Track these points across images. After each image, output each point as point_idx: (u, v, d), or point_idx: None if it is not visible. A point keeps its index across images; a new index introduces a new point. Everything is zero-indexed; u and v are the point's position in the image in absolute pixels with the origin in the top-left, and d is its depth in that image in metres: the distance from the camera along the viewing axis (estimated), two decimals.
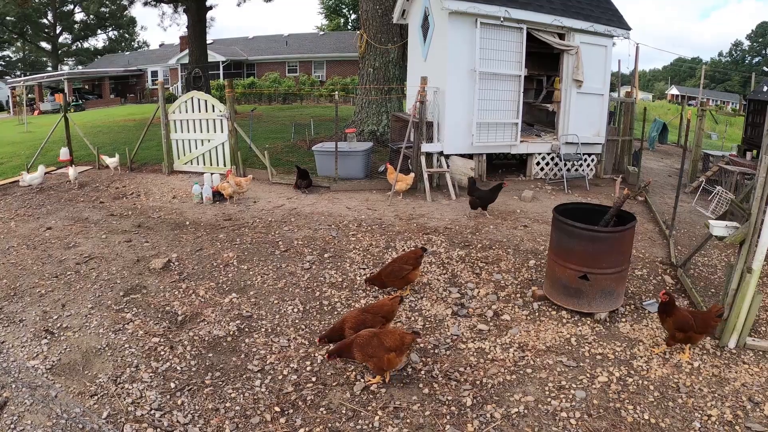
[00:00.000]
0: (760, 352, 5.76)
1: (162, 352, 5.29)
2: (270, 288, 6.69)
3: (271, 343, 5.49)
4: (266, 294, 6.53)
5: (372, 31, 15.73)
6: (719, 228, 5.87)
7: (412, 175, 10.73)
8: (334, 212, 9.59)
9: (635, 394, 4.83)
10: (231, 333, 5.66)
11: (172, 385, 4.78)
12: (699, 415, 4.63)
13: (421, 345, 5.48)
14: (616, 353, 5.47)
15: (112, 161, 13.09)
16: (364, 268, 7.23)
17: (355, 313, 5.12)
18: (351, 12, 59.58)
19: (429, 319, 6.02)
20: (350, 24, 60.07)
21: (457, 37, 11.15)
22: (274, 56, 47.75)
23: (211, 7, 29.39)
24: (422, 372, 5.02)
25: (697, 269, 8.04)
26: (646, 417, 4.54)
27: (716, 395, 4.94)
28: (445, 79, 11.24)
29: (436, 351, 5.39)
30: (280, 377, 4.91)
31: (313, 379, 4.84)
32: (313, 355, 5.23)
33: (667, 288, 7.21)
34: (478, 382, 4.89)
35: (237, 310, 6.12)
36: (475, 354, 5.36)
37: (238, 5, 55.49)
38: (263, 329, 5.74)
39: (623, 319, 6.15)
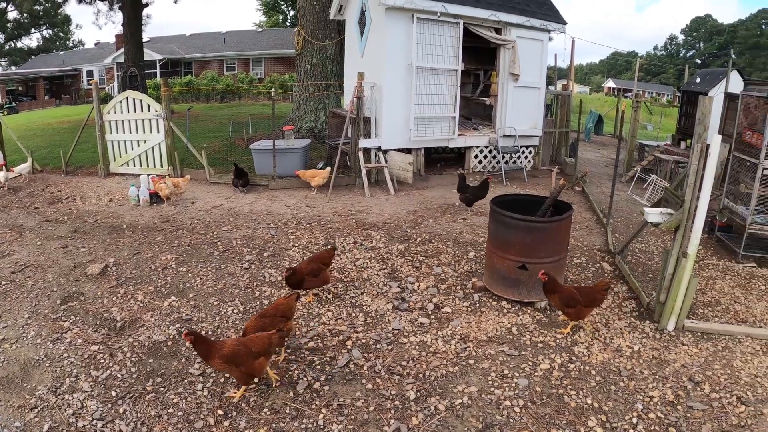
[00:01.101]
0: (699, 333, 5.94)
1: (102, 360, 5.13)
2: (209, 289, 6.56)
3: None
4: (206, 296, 6.41)
5: (309, 27, 15.62)
6: (654, 215, 6.01)
7: (328, 169, 10.74)
8: (272, 210, 9.49)
9: (577, 380, 4.90)
10: (171, 337, 5.53)
11: (113, 393, 4.64)
12: (641, 397, 4.74)
13: (362, 340, 5.45)
14: (557, 340, 5.54)
15: (20, 168, 12.53)
16: None
17: (254, 321, 4.99)
18: (290, 8, 58.96)
19: (370, 314, 5.99)
20: (289, 20, 59.50)
21: (394, 32, 11.13)
22: (212, 54, 47.08)
23: (147, 4, 28.77)
24: (365, 368, 4.98)
25: (635, 255, 8.22)
26: (589, 401, 4.61)
27: (657, 377, 5.06)
28: (382, 74, 11.23)
29: (378, 346, 5.36)
30: (222, 380, 4.81)
31: (255, 380, 4.77)
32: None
33: (606, 275, 7.36)
34: (421, 376, 4.88)
35: (177, 314, 5.98)
36: (417, 347, 5.36)
37: (175, 2, 54.45)
38: (203, 332, 5.61)
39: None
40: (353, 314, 6.00)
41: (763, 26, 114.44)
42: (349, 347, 5.30)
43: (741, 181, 9.04)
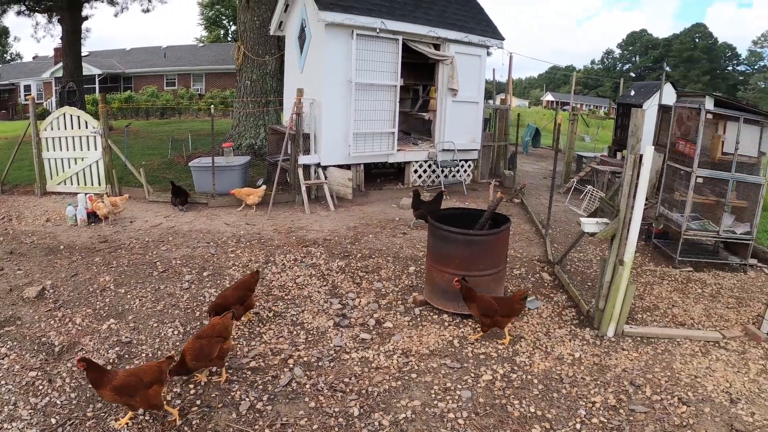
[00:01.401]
0: (638, 338, 6.08)
1: (40, 387, 4.93)
2: (149, 311, 6.39)
3: None
4: (145, 317, 6.24)
5: (250, 43, 15.52)
6: (590, 225, 6.12)
7: (263, 187, 10.66)
8: (212, 229, 9.34)
9: (520, 389, 4.94)
10: (111, 361, 5.35)
11: (53, 420, 4.46)
12: (584, 403, 4.80)
13: (304, 358, 5.39)
14: (499, 351, 5.57)
15: None
16: None
17: (191, 342, 4.87)
18: (231, 23, 58.67)
19: (311, 332, 5.93)
20: (230, 35, 59.10)
21: (333, 48, 11.14)
22: (152, 69, 46.17)
23: (86, 18, 28.08)
24: (307, 386, 4.91)
25: (574, 264, 8.36)
26: (533, 410, 4.65)
27: (599, 382, 5.15)
28: (321, 90, 11.21)
29: (320, 363, 5.29)
30: (164, 403, 4.69)
31: (198, 402, 4.64)
32: (195, 376, 5.04)
33: (546, 284, 7.46)
34: (364, 392, 4.84)
35: (116, 337, 5.80)
36: (359, 363, 5.31)
37: (116, 16, 53.22)
38: (144, 354, 5.46)
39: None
40: (294, 332, 5.92)
41: (697, 40, 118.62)
42: (291, 366, 5.22)
43: (675, 189, 9.29)
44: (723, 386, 5.35)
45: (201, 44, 55.64)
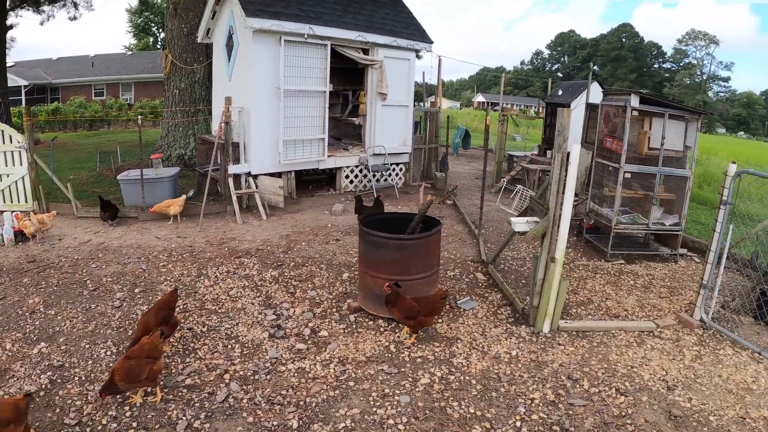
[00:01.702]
0: (574, 332, 6.16)
1: None
2: (80, 332, 6.14)
3: (86, 392, 4.98)
4: (77, 339, 5.98)
5: (177, 50, 15.21)
6: (521, 224, 6.17)
7: (183, 197, 10.47)
8: (143, 243, 9.08)
9: (459, 391, 4.92)
10: (43, 387, 5.10)
11: None
12: (523, 400, 4.83)
13: (240, 372, 5.26)
14: (436, 354, 5.55)
15: None
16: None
17: (120, 363, 4.69)
18: (160, 30, 57.50)
19: (246, 345, 5.79)
20: (159, 43, 57.86)
21: (261, 55, 11.01)
22: (80, 79, 44.70)
23: (11, 26, 27.02)
24: (244, 401, 4.78)
25: (507, 263, 8.42)
26: (472, 410, 4.64)
27: (537, 379, 5.18)
28: (250, 98, 11.06)
29: (257, 377, 5.16)
30: (99, 427, 4.47)
31: (134, 424, 4.46)
32: (130, 398, 4.85)
33: (480, 284, 7.49)
34: (302, 403, 4.74)
35: (47, 361, 5.54)
36: (296, 375, 5.21)
37: (42, 24, 51.64)
38: (77, 378, 5.23)
39: (439, 320, 6.27)
40: (230, 346, 5.77)
41: (624, 39, 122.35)
42: (227, 381, 5.07)
43: (604, 185, 9.47)
44: (659, 374, 5.46)
45: (130, 52, 54.25)
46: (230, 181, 10.60)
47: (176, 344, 5.77)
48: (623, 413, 4.75)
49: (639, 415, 4.75)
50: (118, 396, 4.79)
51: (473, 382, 5.07)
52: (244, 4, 10.70)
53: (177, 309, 6.42)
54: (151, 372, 4.65)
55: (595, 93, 14.09)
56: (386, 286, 5.67)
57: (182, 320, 6.22)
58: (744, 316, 7.11)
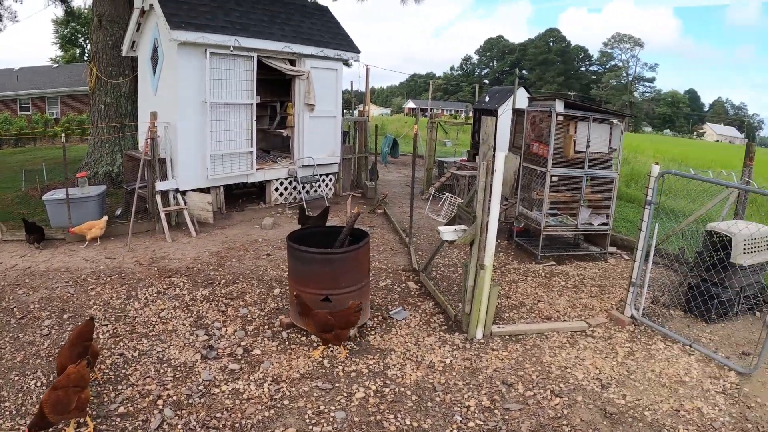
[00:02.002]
0: (507, 337, 6.22)
1: None
2: (8, 363, 5.86)
3: (17, 427, 4.78)
4: (5, 371, 5.71)
5: (102, 64, 14.79)
6: (449, 233, 6.20)
7: (105, 218, 10.17)
8: (71, 266, 8.78)
9: (394, 403, 4.89)
10: None
11: None
12: (459, 408, 4.83)
13: (174, 397, 5.11)
14: (370, 366, 5.51)
15: None
16: (106, 324, 6.62)
17: (48, 394, 4.51)
18: (87, 42, 55.93)
19: (179, 368, 5.63)
20: (86, 55, 56.37)
21: (186, 68, 10.79)
22: (4, 93, 42.87)
23: None
24: (179, 426, 4.64)
25: (439, 270, 8.45)
26: (408, 422, 4.62)
27: (472, 386, 5.20)
28: (176, 112, 10.82)
29: (191, 401, 5.02)
30: None
31: None
32: (63, 430, 4.66)
33: (412, 293, 7.49)
34: (237, 425, 4.63)
35: None
36: (230, 396, 5.09)
37: None
38: (7, 412, 4.98)
39: (372, 332, 6.24)
40: (162, 370, 5.61)
41: (551, 44, 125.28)
42: (160, 407, 4.92)
43: (533, 188, 9.61)
44: (593, 373, 5.56)
45: (56, 65, 52.48)
46: (158, 198, 10.36)
47: (107, 371, 5.58)
48: (559, 414, 4.82)
49: (575, 415, 4.82)
50: (50, 430, 4.61)
51: (408, 393, 5.05)
52: (168, 16, 10.49)
53: (107, 334, 6.25)
54: (80, 401, 4.48)
55: (522, 98, 14.35)
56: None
57: (113, 345, 6.03)
58: (674, 310, 7.33)
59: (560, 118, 9.07)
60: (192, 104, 10.88)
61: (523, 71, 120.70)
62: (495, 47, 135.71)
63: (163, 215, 10.19)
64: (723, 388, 5.44)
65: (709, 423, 4.84)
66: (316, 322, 5.58)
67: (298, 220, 9.61)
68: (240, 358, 5.77)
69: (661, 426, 4.75)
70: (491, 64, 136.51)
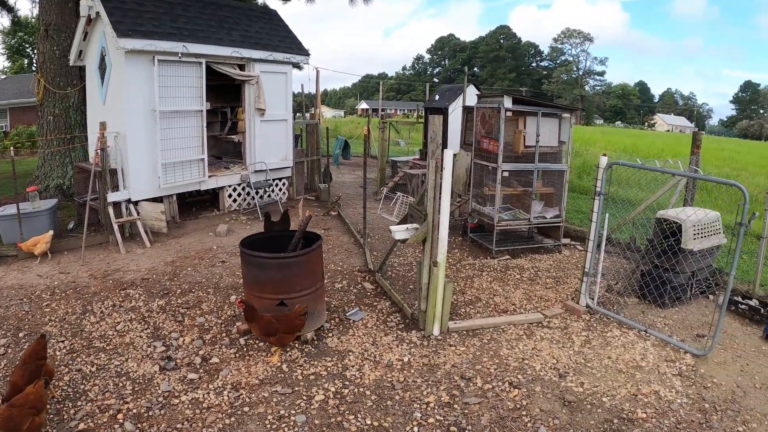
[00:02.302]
0: (464, 332, 6.30)
1: None
2: None
3: None
4: None
5: (50, 74, 14.49)
6: (400, 232, 6.24)
7: (50, 233, 9.95)
8: (24, 283, 8.60)
9: (354, 403, 4.91)
10: None
11: None
12: (418, 405, 4.88)
13: (134, 410, 5.06)
14: (329, 369, 5.52)
15: None
16: (63, 340, 6.50)
17: (3, 410, 4.44)
18: (35, 52, 54.85)
19: (138, 380, 5.56)
20: (34, 65, 55.30)
21: (134, 76, 10.64)
22: None
23: None
24: None
25: (395, 270, 8.50)
26: (369, 422, 4.65)
27: (430, 382, 5.25)
28: (125, 121, 10.66)
29: (151, 413, 4.96)
30: None
31: None
32: None
33: (368, 294, 7.51)
34: None
35: None
36: (190, 406, 5.05)
37: None
38: None
39: (330, 334, 6.25)
40: (120, 384, 5.53)
41: (502, 41, 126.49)
42: (121, 421, 4.85)
43: (485, 184, 9.71)
44: (550, 363, 5.66)
45: (3, 76, 51.23)
46: (110, 209, 10.20)
47: (66, 388, 5.49)
48: (518, 405, 4.90)
49: (533, 405, 4.90)
50: None
51: (368, 393, 5.08)
52: (115, 24, 10.33)
53: (64, 350, 6.16)
54: (33, 425, 4.39)
55: (472, 96, 14.48)
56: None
57: (70, 361, 5.93)
58: (629, 297, 7.49)
59: (509, 114, 9.18)
60: (141, 113, 10.74)
61: (474, 69, 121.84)
62: (446, 46, 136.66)
63: (116, 227, 10.04)
64: (679, 371, 5.60)
65: (666, 405, 4.97)
66: (260, 326, 5.57)
67: (264, 226, 9.58)
68: (198, 367, 5.73)
69: (619, 411, 4.86)
70: (443, 63, 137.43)
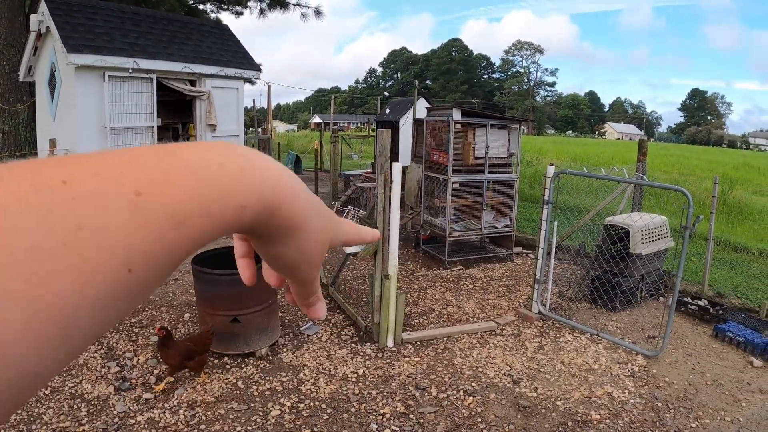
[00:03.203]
0: (418, 343, 6.34)
1: None
2: None
3: None
4: None
5: None
6: (351, 246, 6.29)
7: None
8: None
9: (310, 417, 4.91)
10: None
11: None
12: (374, 417, 4.89)
13: None
14: (284, 383, 5.51)
15: None
16: None
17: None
18: None
19: (92, 402, 5.49)
20: None
21: (85, 92, 10.53)
22: None
23: None
24: None
25: (348, 283, 8.52)
26: None
27: (385, 393, 5.28)
28: (75, 138, 10.54)
29: None
30: None
31: None
32: None
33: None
34: None
35: None
36: (146, 426, 4.98)
37: None
38: None
39: (284, 349, 6.24)
40: (75, 406, 5.45)
41: (454, 53, 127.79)
42: None
43: (436, 196, 9.83)
44: (504, 370, 5.74)
45: None
46: None
47: (20, 412, 5.40)
48: (473, 413, 4.96)
49: (488, 412, 4.97)
50: None
51: (323, 406, 5.09)
52: (65, 39, 10.23)
53: None
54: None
55: (422, 109, 14.65)
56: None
57: None
58: (580, 303, 7.64)
59: (458, 126, 9.33)
60: (92, 129, 10.62)
61: (427, 81, 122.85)
62: (399, 59, 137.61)
63: None
64: (632, 372, 5.74)
65: (620, 406, 5.09)
66: (178, 351, 5.47)
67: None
68: (154, 386, 5.70)
69: (573, 414, 4.96)
70: (395, 76, 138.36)
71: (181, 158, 0.44)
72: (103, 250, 0.36)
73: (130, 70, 10.96)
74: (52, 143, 10.01)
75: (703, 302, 7.50)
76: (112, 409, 5.31)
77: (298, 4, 19.49)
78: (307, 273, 0.62)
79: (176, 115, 14.23)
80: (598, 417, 4.92)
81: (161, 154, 0.43)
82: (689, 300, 7.56)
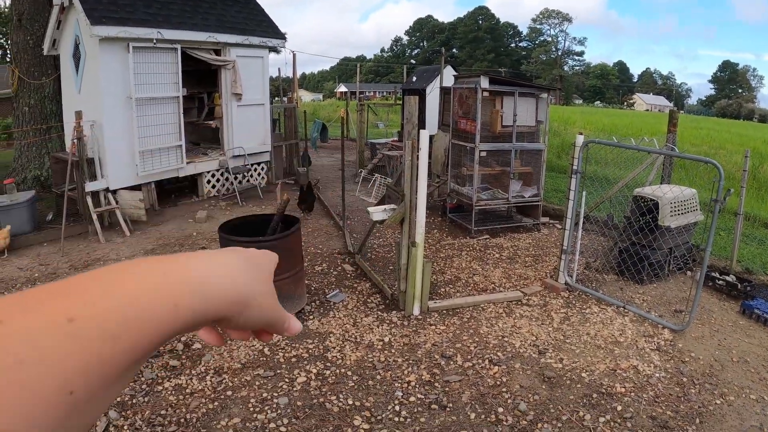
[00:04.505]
0: (444, 311, 6.33)
1: None
2: None
3: None
4: None
5: (24, 65, 14.29)
6: (378, 213, 6.27)
7: (8, 228, 9.83)
8: (5, 277, 8.50)
9: (336, 384, 4.94)
10: None
11: None
12: (399, 385, 4.90)
13: (118, 399, 5.07)
14: (310, 351, 5.54)
15: None
16: None
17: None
18: (9, 42, 53.78)
19: None
20: (9, 55, 54.24)
21: (109, 64, 10.53)
22: None
23: None
24: (125, 427, 4.58)
25: (374, 251, 8.52)
26: (351, 402, 4.67)
27: (411, 361, 5.28)
28: (101, 110, 10.57)
29: (135, 401, 4.96)
30: None
31: None
32: None
33: (348, 275, 7.53)
34: (182, 420, 4.61)
35: None
36: (173, 392, 5.05)
37: None
38: None
39: (311, 317, 6.27)
40: None
41: (480, 22, 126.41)
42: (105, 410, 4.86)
43: (463, 164, 9.75)
44: (530, 340, 5.71)
45: None
46: (89, 199, 10.13)
47: None
48: (498, 382, 4.95)
49: (513, 381, 4.96)
50: None
51: (349, 373, 5.11)
52: (88, 11, 10.20)
53: None
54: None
55: (450, 77, 14.48)
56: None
57: None
58: (607, 275, 7.56)
59: (486, 93, 9.22)
60: (117, 100, 10.64)
61: (453, 50, 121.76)
62: (425, 27, 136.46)
63: (95, 216, 9.97)
64: (657, 346, 5.67)
65: (645, 379, 5.05)
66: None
67: (299, 198, 9.62)
68: (181, 353, 5.73)
69: (598, 386, 4.92)
70: (421, 45, 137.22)
71: (132, 273, 0.50)
72: (43, 378, 0.40)
73: (155, 41, 10.93)
74: (78, 115, 10.05)
75: (731, 278, 7.37)
76: (140, 376, 5.37)
77: None
78: (270, 317, 0.65)
79: (201, 85, 14.22)
80: (623, 390, 4.88)
81: (105, 276, 0.49)
82: (717, 275, 7.43)
